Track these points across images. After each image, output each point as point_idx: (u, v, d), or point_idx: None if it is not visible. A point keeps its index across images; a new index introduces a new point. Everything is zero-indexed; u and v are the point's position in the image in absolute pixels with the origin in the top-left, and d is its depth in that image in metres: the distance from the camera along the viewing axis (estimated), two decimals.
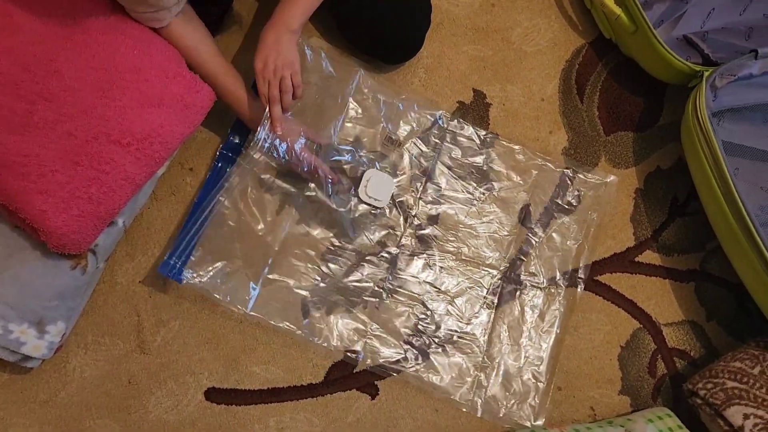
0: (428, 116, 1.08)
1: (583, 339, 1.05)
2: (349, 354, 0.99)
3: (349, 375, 1.00)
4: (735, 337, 1.07)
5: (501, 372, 1.01)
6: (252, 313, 0.97)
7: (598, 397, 1.03)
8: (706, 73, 1.00)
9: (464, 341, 1.01)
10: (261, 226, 1.00)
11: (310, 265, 1.00)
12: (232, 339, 0.99)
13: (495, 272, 1.04)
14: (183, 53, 0.90)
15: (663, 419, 0.95)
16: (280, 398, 0.98)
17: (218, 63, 0.93)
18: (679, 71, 1.04)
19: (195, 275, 0.96)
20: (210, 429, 0.96)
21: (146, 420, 0.95)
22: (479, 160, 1.08)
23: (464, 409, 0.99)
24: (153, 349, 0.98)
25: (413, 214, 1.04)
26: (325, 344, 0.98)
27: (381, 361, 0.99)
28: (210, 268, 0.97)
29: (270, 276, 0.99)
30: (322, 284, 1.00)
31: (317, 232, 1.01)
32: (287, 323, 0.98)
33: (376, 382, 1.00)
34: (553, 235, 1.07)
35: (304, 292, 0.99)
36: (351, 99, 1.05)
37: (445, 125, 1.08)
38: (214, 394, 0.97)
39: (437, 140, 1.08)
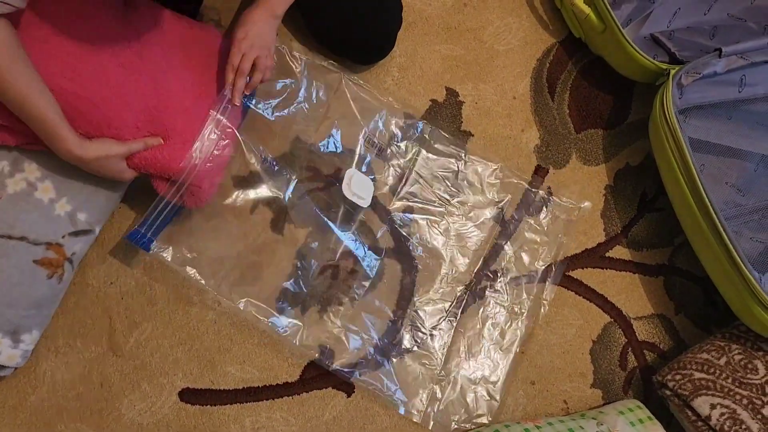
0: (408, 123, 1.08)
1: (555, 333, 1.07)
2: (312, 352, 0.99)
3: (325, 373, 1.00)
4: (702, 329, 1.10)
5: (457, 387, 1.01)
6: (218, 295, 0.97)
7: (570, 390, 1.05)
8: (673, 71, 1.02)
9: (423, 352, 1.01)
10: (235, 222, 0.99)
11: (285, 262, 1.00)
12: (206, 339, 0.99)
13: (461, 286, 1.05)
14: None
15: (634, 411, 0.97)
16: (256, 398, 0.98)
17: (33, 77, 0.76)
18: (646, 69, 1.06)
19: (165, 247, 0.95)
20: (185, 430, 0.95)
21: (120, 423, 0.94)
22: (453, 173, 1.09)
23: (415, 420, 0.99)
24: (126, 351, 0.97)
25: (388, 218, 1.05)
26: (293, 340, 0.98)
27: (338, 364, 0.99)
28: (182, 246, 0.96)
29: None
30: (294, 282, 1.00)
31: (293, 231, 1.01)
32: (256, 311, 0.98)
33: (351, 380, 1.00)
34: (522, 254, 1.07)
35: (281, 284, 0.99)
36: (332, 103, 1.05)
37: (426, 135, 1.09)
38: (188, 395, 0.97)
39: (416, 148, 1.08)
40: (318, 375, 1.00)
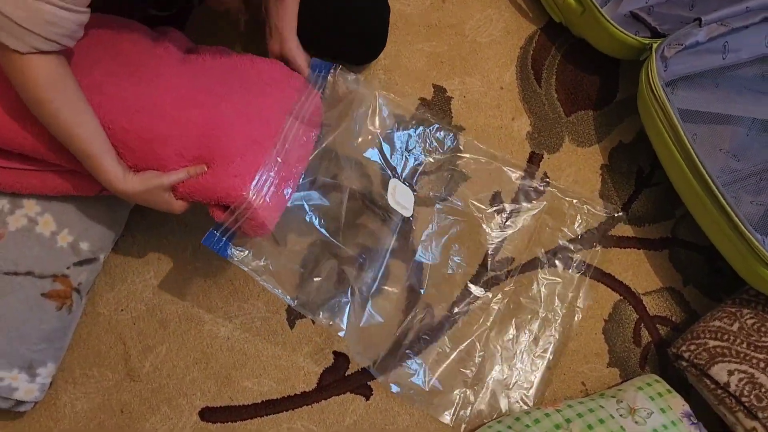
0: (442, 134, 1.10)
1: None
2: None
3: (342, 378, 1.01)
4: (712, 298, 1.10)
5: (489, 391, 1.01)
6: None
7: (587, 372, 1.05)
8: (655, 45, 1.03)
9: (458, 356, 1.02)
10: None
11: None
12: (221, 356, 0.99)
13: (499, 294, 1.05)
14: (46, 87, 0.74)
15: (652, 385, 0.97)
16: (276, 410, 0.99)
17: (81, 110, 0.78)
18: (629, 46, 1.07)
19: (243, 251, 0.91)
20: None
21: None
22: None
23: (445, 422, 0.99)
24: (143, 375, 0.97)
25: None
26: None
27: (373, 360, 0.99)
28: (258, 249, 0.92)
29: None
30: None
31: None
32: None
33: (368, 383, 1.01)
34: (557, 262, 1.08)
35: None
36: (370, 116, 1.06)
37: (461, 145, 1.10)
38: (209, 414, 0.97)
39: (449, 165, 1.10)
40: (335, 381, 1.00)
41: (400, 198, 1.04)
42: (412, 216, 1.04)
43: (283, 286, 0.93)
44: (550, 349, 1.04)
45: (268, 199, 0.87)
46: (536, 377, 1.03)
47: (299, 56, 0.98)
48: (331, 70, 1.00)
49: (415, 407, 1.00)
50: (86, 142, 0.78)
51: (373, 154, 1.04)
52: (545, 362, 1.03)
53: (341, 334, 0.96)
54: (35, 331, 0.85)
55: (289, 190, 0.92)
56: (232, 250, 0.90)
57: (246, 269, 0.90)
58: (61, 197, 0.87)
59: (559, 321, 1.05)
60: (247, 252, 0.91)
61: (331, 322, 0.97)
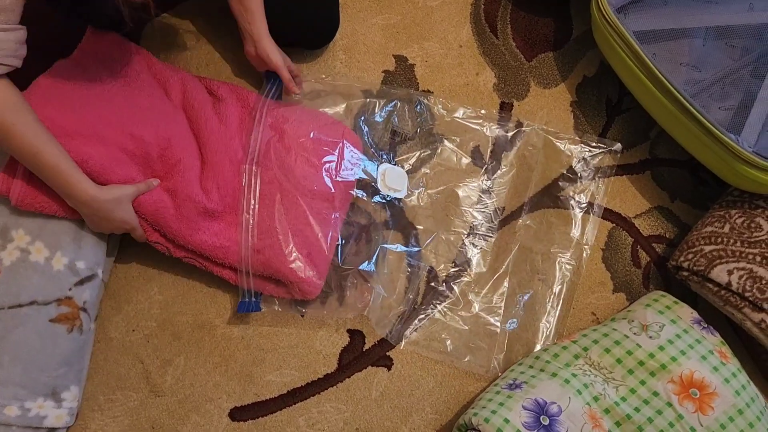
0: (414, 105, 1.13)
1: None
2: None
3: (360, 354, 1.02)
4: (700, 208, 1.13)
5: (507, 335, 1.03)
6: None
7: (595, 301, 1.08)
8: None
9: (480, 306, 1.04)
10: None
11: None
12: (239, 356, 1.00)
13: (506, 240, 1.08)
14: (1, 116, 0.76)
15: (659, 300, 1.00)
16: (303, 397, 1.00)
17: (44, 133, 0.81)
18: None
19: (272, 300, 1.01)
20: None
21: None
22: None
23: (482, 372, 1.02)
24: (166, 389, 0.98)
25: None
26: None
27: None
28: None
29: None
30: None
31: None
32: None
33: (388, 353, 1.02)
34: (559, 202, 1.11)
35: None
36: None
37: (433, 111, 1.13)
38: (238, 413, 0.98)
39: (426, 130, 1.12)
40: (354, 358, 1.02)
41: (391, 182, 1.06)
42: (405, 193, 1.07)
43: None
44: (564, 287, 1.06)
45: (316, 271, 0.98)
46: (554, 316, 1.05)
47: (273, 54, 1.01)
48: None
49: (439, 366, 1.02)
50: (55, 158, 0.80)
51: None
52: (561, 300, 1.06)
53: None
54: (51, 357, 0.85)
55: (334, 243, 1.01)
56: (262, 304, 1.01)
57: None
58: (48, 222, 0.88)
59: (567, 258, 1.07)
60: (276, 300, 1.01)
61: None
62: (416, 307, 1.04)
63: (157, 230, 0.95)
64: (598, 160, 1.13)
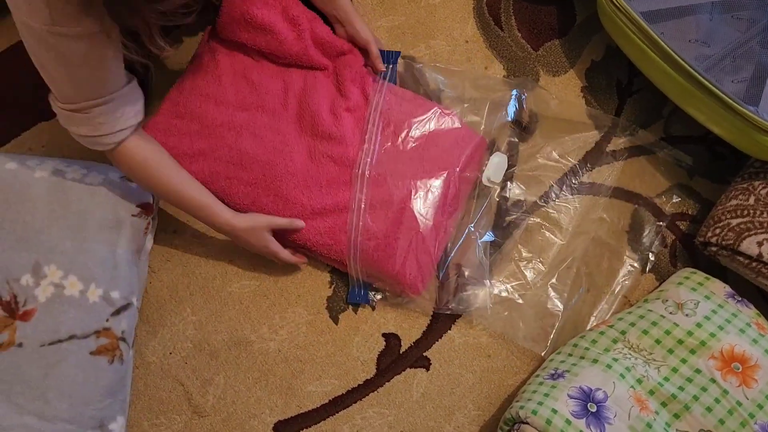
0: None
1: (608, 241, 1.09)
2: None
3: (398, 357, 1.02)
4: (721, 182, 1.13)
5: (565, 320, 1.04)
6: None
7: (626, 284, 1.08)
8: None
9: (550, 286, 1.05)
10: None
11: None
12: (278, 369, 1.01)
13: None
14: (139, 167, 0.87)
15: (690, 278, 1.00)
16: (345, 405, 1.00)
17: (184, 174, 0.91)
18: None
19: (378, 293, 1.04)
20: None
21: None
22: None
23: (539, 351, 1.02)
24: (209, 409, 0.98)
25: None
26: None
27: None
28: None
29: None
30: None
31: None
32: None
33: (425, 354, 1.03)
34: (569, 189, 1.13)
35: None
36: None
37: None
38: (282, 426, 0.98)
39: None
40: (392, 362, 1.02)
41: (493, 173, 1.09)
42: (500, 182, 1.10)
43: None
44: (621, 288, 1.07)
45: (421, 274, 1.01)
46: (606, 311, 1.05)
47: (363, 30, 1.05)
48: (399, 59, 1.11)
49: (478, 361, 1.02)
50: (198, 195, 0.91)
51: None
52: (616, 299, 1.06)
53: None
54: (95, 390, 0.85)
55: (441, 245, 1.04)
56: (371, 295, 1.04)
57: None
58: (79, 255, 0.88)
59: (635, 264, 1.08)
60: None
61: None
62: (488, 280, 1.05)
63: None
64: (600, 138, 1.14)
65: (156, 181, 0.88)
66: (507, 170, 1.10)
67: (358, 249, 0.98)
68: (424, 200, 1.01)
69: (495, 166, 1.09)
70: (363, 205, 0.99)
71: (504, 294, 1.04)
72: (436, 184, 1.02)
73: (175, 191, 0.90)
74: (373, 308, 1.04)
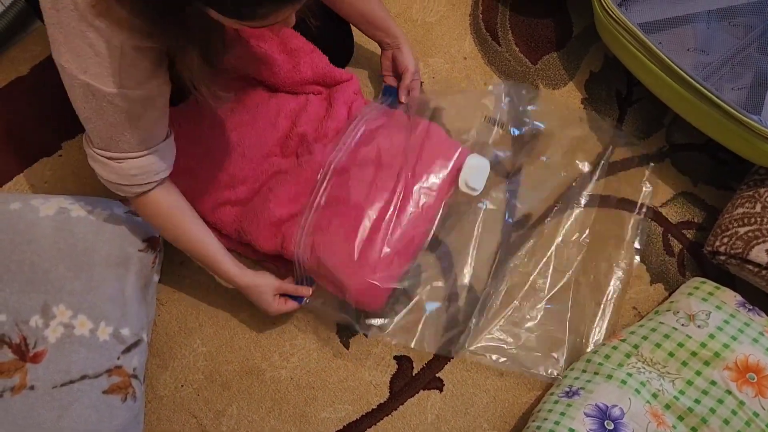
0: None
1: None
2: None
3: (411, 380, 1.02)
4: (724, 188, 1.13)
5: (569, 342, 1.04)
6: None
7: (635, 296, 1.08)
8: None
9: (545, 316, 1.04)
10: None
11: None
12: (291, 397, 1.00)
13: (537, 248, 1.08)
14: (163, 216, 0.87)
15: (699, 288, 1.00)
16: (360, 429, 0.99)
17: (201, 225, 0.91)
18: None
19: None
20: None
21: None
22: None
23: (547, 378, 1.01)
24: None
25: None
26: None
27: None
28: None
29: None
30: None
31: None
32: None
33: (437, 375, 1.02)
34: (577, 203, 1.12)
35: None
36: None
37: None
38: None
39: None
40: (405, 385, 1.02)
41: (471, 179, 1.02)
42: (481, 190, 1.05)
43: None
44: (614, 291, 1.06)
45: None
46: (605, 320, 1.05)
47: (408, 59, 1.05)
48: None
49: (491, 380, 1.01)
50: (212, 249, 0.91)
51: None
52: (612, 305, 1.05)
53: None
54: (109, 429, 0.85)
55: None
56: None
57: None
58: (88, 294, 0.87)
59: (623, 264, 1.08)
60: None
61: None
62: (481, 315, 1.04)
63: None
64: (603, 149, 1.13)
65: (179, 231, 0.89)
66: (507, 185, 1.09)
67: (305, 240, 0.97)
68: (389, 207, 0.97)
69: (472, 169, 1.02)
70: (322, 201, 0.98)
71: (502, 334, 1.03)
72: (411, 190, 0.99)
73: (191, 241, 0.90)
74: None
